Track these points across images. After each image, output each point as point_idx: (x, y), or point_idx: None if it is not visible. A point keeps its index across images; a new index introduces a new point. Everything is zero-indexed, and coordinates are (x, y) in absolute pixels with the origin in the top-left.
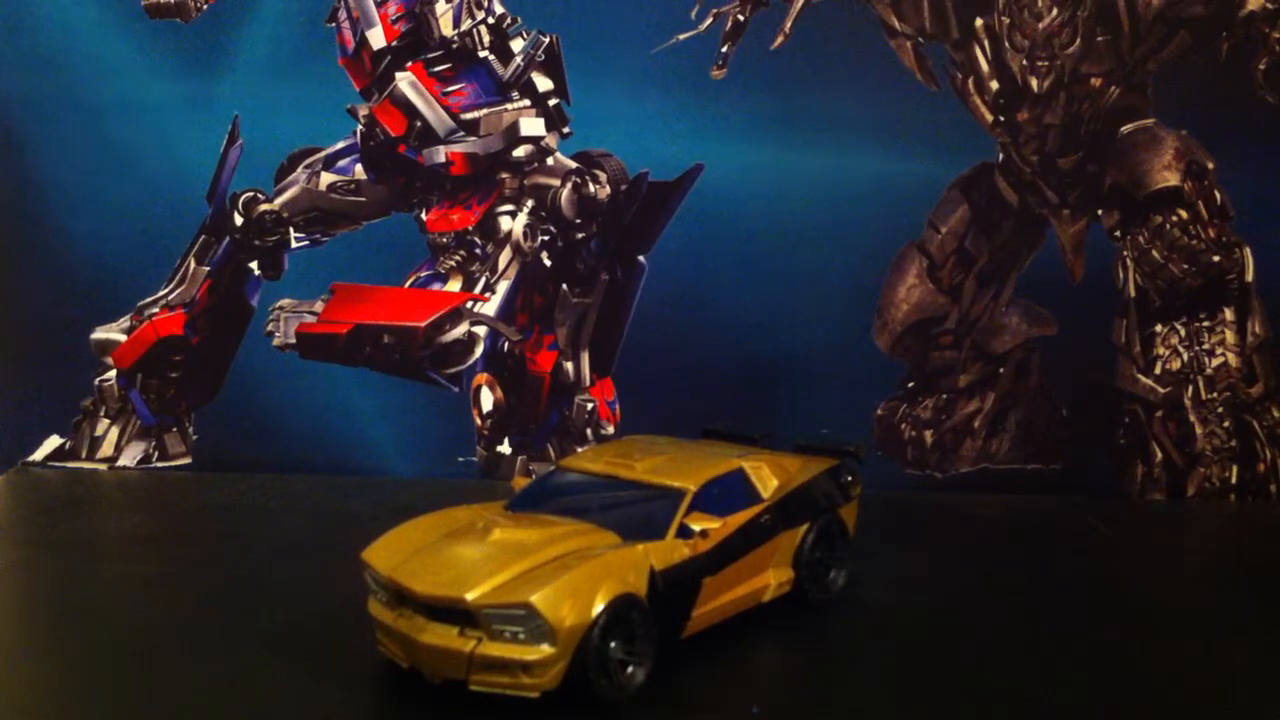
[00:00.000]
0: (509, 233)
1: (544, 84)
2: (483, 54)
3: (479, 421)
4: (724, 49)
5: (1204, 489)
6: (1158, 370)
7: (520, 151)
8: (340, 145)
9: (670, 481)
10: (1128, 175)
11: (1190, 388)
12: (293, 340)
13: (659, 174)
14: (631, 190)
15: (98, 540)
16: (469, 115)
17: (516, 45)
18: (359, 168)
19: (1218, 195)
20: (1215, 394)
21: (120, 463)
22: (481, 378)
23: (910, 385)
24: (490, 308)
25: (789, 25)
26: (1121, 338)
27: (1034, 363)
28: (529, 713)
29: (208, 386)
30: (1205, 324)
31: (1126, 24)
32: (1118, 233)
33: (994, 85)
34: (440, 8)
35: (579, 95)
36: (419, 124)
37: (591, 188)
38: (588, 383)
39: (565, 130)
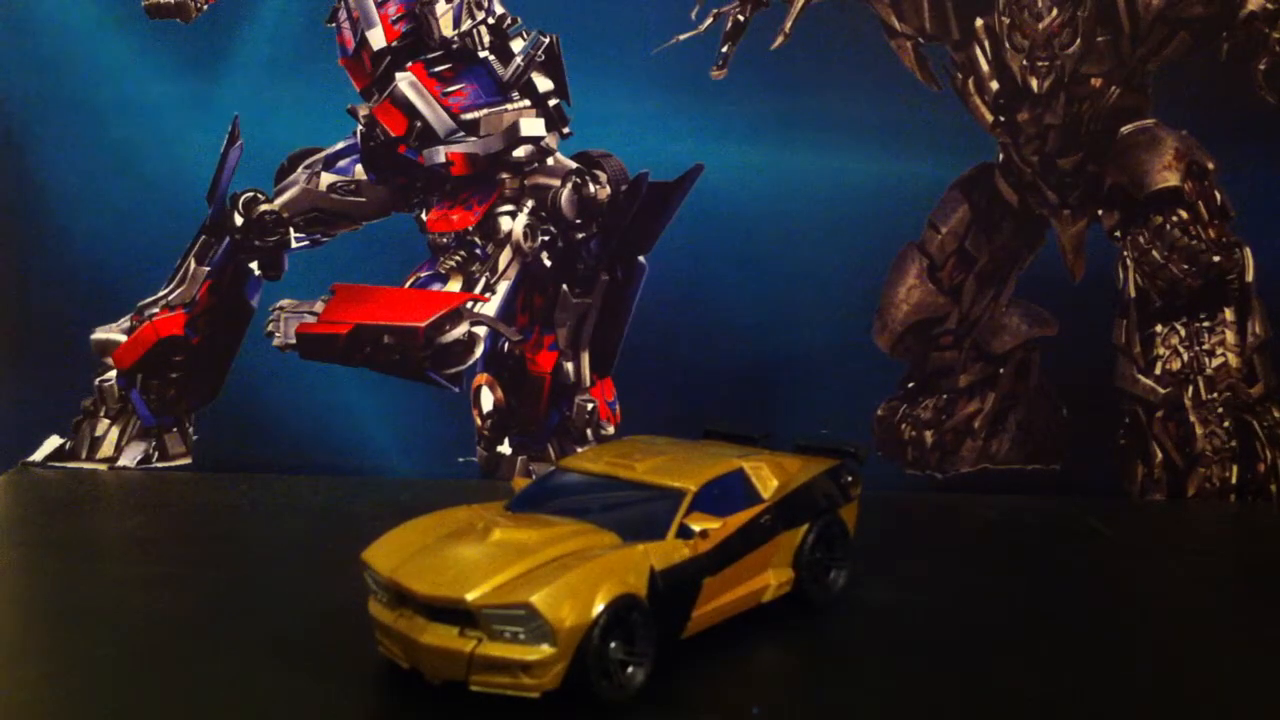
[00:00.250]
0: (509, 233)
1: (544, 84)
2: (483, 54)
3: (479, 422)
4: (724, 49)
5: (1204, 489)
6: (1158, 370)
7: (520, 152)
8: (340, 146)
9: (670, 482)
10: (1128, 175)
11: (1190, 388)
12: (293, 340)
13: (659, 174)
14: (632, 190)
15: (98, 540)
16: (469, 115)
17: (517, 45)
18: (359, 168)
19: (1218, 195)
20: (1215, 394)
21: (120, 463)
22: (482, 378)
23: (910, 385)
24: (490, 308)
25: (789, 25)
26: (1122, 338)
27: (1034, 363)
28: (529, 713)
29: (208, 387)
30: (1205, 324)
31: (1127, 24)
32: (1118, 233)
33: (994, 85)
34: (440, 8)
35: (579, 95)
36: (419, 124)
37: (592, 188)
38: (588, 383)
39: (565, 130)
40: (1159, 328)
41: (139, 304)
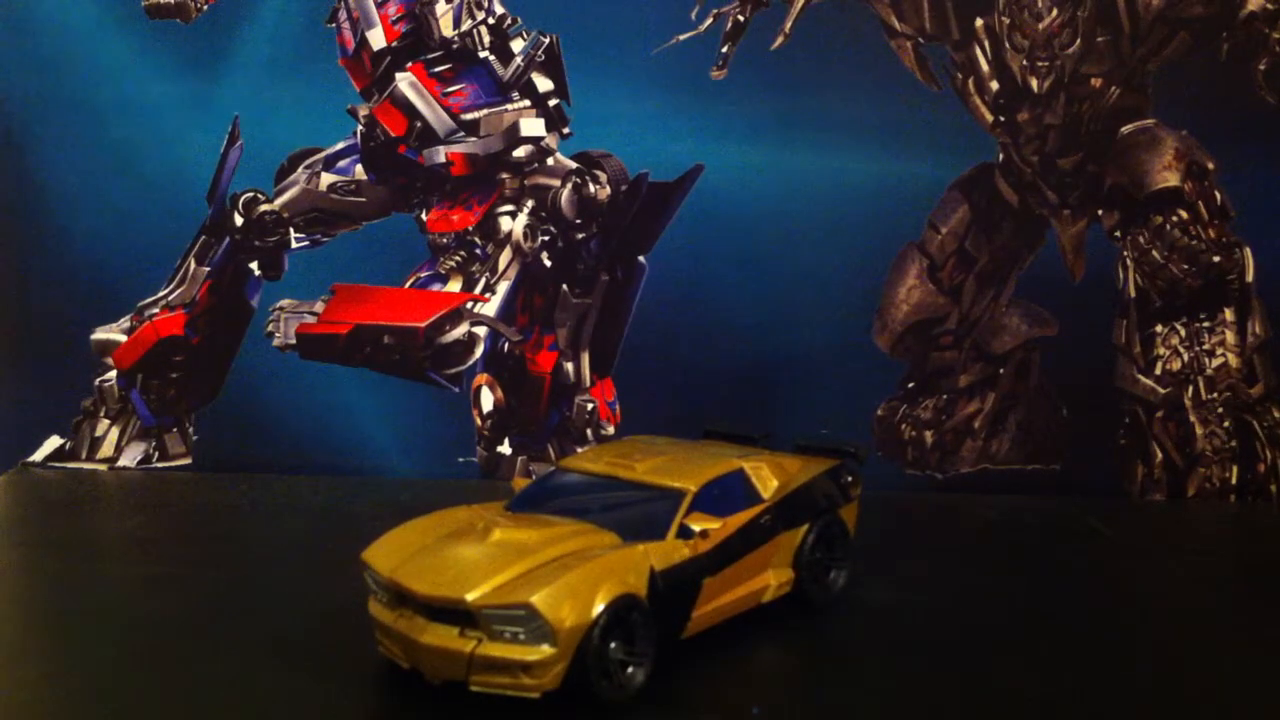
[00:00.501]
0: (509, 233)
1: (544, 84)
2: (483, 54)
3: (479, 422)
4: (724, 49)
5: (1204, 489)
6: (1158, 371)
7: (520, 152)
8: (340, 146)
9: (670, 482)
10: (1128, 175)
11: (1190, 388)
12: (293, 341)
13: (659, 174)
14: (632, 190)
15: (98, 540)
16: (469, 116)
17: (517, 46)
18: (359, 168)
19: (1218, 195)
20: (1215, 394)
21: (120, 463)
22: (482, 378)
23: (910, 386)
24: (490, 308)
25: (789, 26)
26: (1122, 338)
27: (1034, 363)
28: (529, 713)
29: (208, 387)
30: (1205, 324)
31: (1127, 24)
32: (1118, 233)
33: (994, 86)
34: (440, 8)
35: (579, 95)
36: (419, 124)
37: (592, 188)
38: (588, 383)
39: (565, 131)
40: (1159, 328)
41: (139, 304)
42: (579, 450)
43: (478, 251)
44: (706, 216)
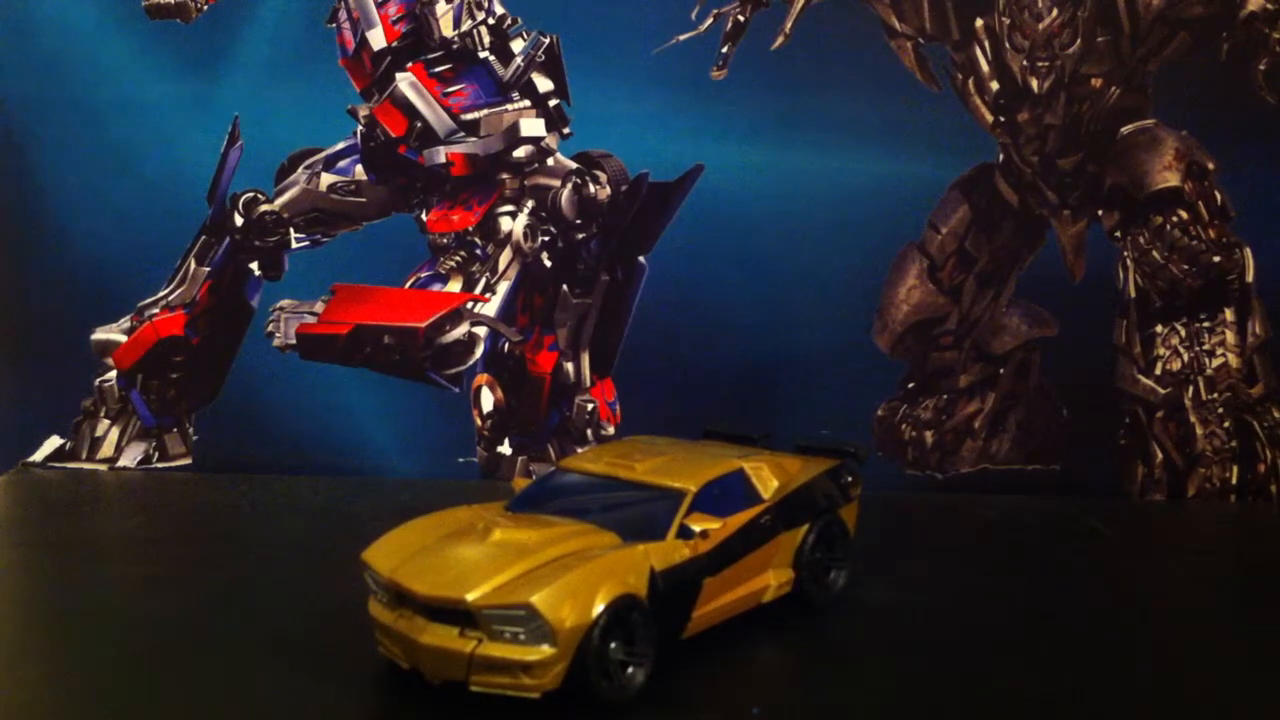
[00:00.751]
0: (509, 233)
1: (544, 84)
2: (483, 55)
3: (479, 422)
4: (724, 49)
5: (1204, 489)
6: (1158, 371)
7: (520, 152)
8: (340, 146)
9: (670, 482)
10: (1128, 176)
11: (1190, 388)
12: (293, 341)
13: (659, 174)
14: (632, 191)
15: (98, 540)
16: (469, 116)
17: (517, 46)
18: (359, 168)
19: (1218, 196)
20: (1215, 394)
21: (120, 463)
22: (482, 378)
23: (911, 386)
24: (491, 308)
25: (789, 26)
26: (1122, 338)
27: (1034, 363)
28: (529, 713)
29: (208, 387)
30: (1205, 324)
31: (1127, 24)
32: (1118, 233)
33: (994, 86)
34: (440, 8)
35: (579, 96)
36: (419, 125)
37: (592, 188)
38: (588, 383)
39: (565, 131)
40: (1159, 328)
41: (139, 304)
42: (579, 450)
43: (478, 251)
44: (706, 216)
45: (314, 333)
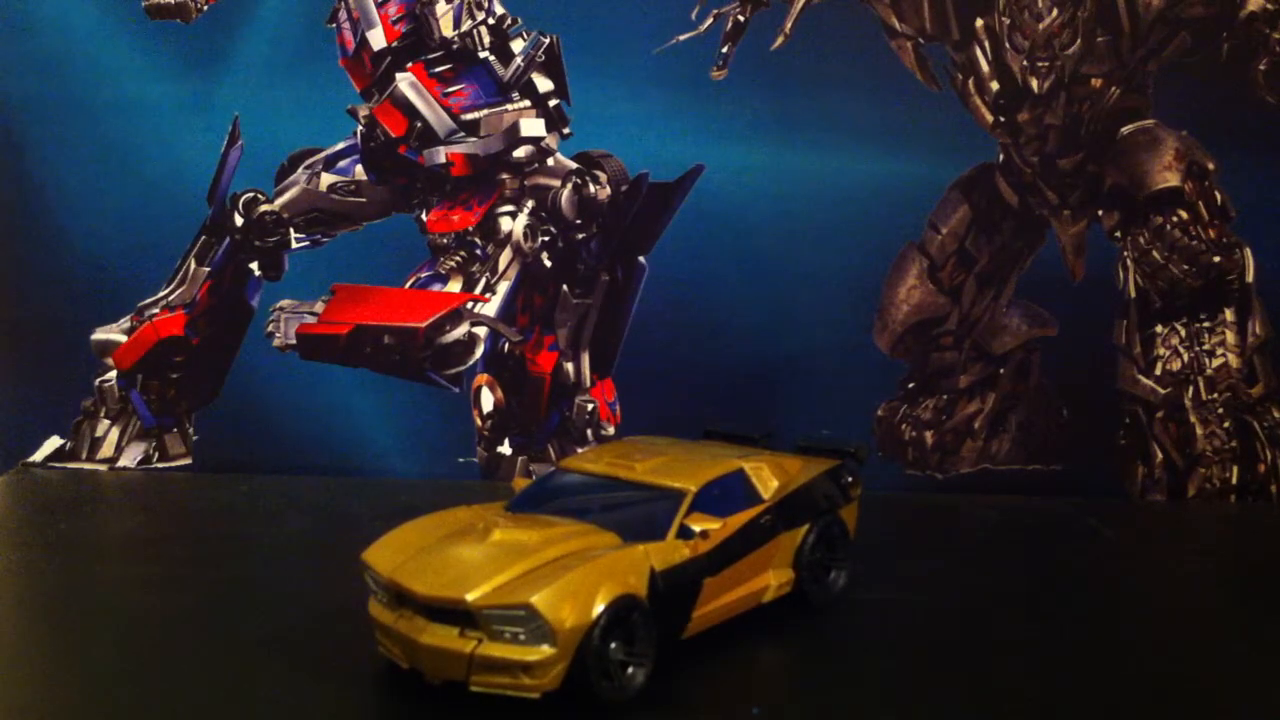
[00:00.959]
0: (509, 233)
1: (544, 85)
2: (483, 55)
3: (479, 422)
4: (724, 50)
5: (1204, 490)
6: (1158, 371)
7: (520, 152)
8: (340, 146)
9: (671, 482)
10: (1128, 176)
11: (1190, 388)
12: (293, 341)
13: (659, 174)
14: (632, 191)
15: (98, 540)
16: (469, 116)
17: (517, 46)
18: (359, 168)
19: (1218, 196)
20: (1216, 395)
21: (120, 463)
22: (482, 378)
23: (911, 386)
24: (491, 308)
25: (789, 26)
26: (1122, 338)
27: (1034, 363)
28: (529, 713)
29: (208, 387)
30: (1205, 325)
31: (1127, 24)
32: (1118, 233)
33: (994, 86)
34: (441, 8)
35: (579, 96)
36: (419, 125)
37: (592, 188)
38: (588, 383)
39: (565, 131)
40: (1159, 328)
41: (139, 304)
42: (579, 450)
43: (478, 252)
44: (706, 216)
45: (314, 333)
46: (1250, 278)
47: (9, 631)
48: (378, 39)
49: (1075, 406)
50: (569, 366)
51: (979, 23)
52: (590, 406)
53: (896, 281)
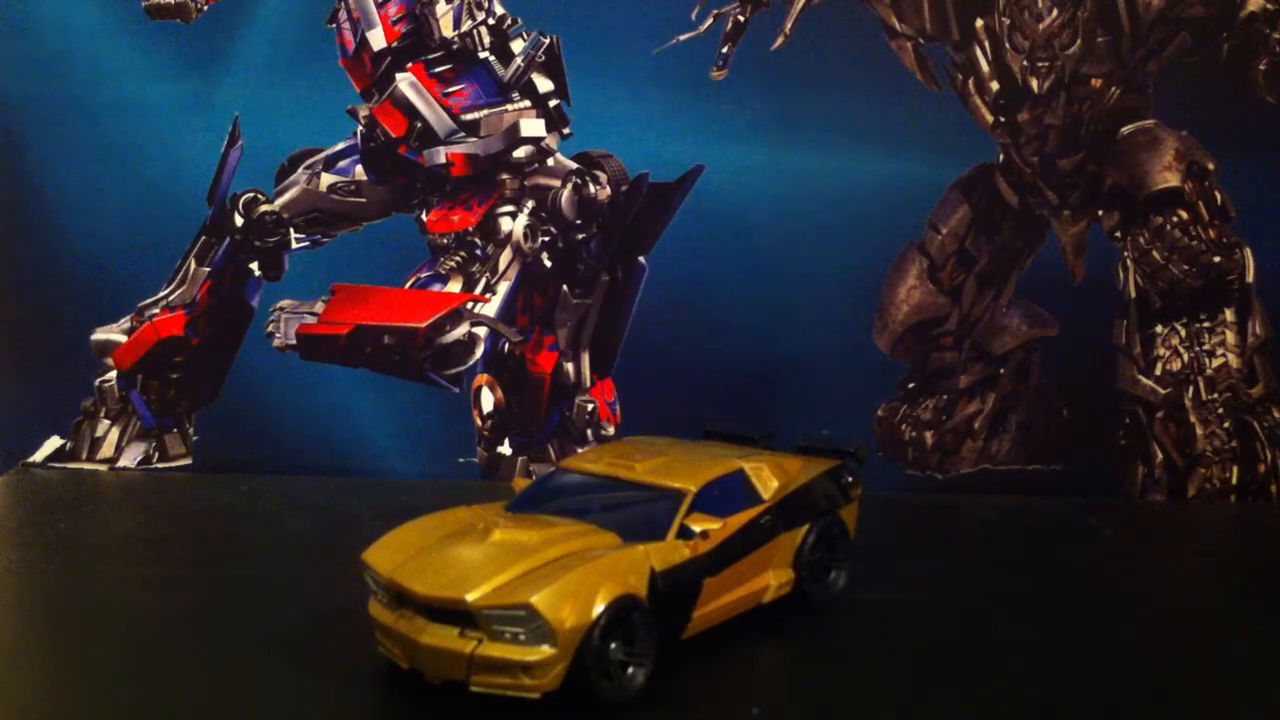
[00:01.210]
0: (509, 233)
1: (544, 85)
2: (483, 55)
3: (479, 422)
4: (724, 50)
5: (1204, 490)
6: (1158, 371)
7: (520, 152)
8: (340, 146)
9: (671, 482)
10: (1128, 176)
11: (1191, 389)
12: (293, 341)
13: (659, 175)
14: (632, 191)
15: (98, 540)
16: (469, 116)
17: (517, 46)
18: (359, 169)
19: (1218, 196)
20: (1216, 395)
21: (120, 463)
22: (482, 378)
23: (911, 386)
24: (491, 308)
25: (789, 26)
26: (1122, 339)
27: (1034, 363)
28: (529, 714)
29: (208, 387)
30: (1206, 325)
31: (1127, 25)
32: (1118, 233)
33: (994, 86)
34: (441, 9)
35: (579, 96)
36: (419, 125)
37: (592, 188)
38: (588, 383)
39: (565, 131)
40: (1159, 328)
41: (139, 304)
42: (579, 451)
43: (478, 252)
44: (706, 216)
45: (314, 333)
46: (1250, 278)
47: (9, 631)
48: (378, 39)
49: (1075, 406)
50: (569, 366)
51: (979, 23)
52: (590, 406)
53: (896, 281)
